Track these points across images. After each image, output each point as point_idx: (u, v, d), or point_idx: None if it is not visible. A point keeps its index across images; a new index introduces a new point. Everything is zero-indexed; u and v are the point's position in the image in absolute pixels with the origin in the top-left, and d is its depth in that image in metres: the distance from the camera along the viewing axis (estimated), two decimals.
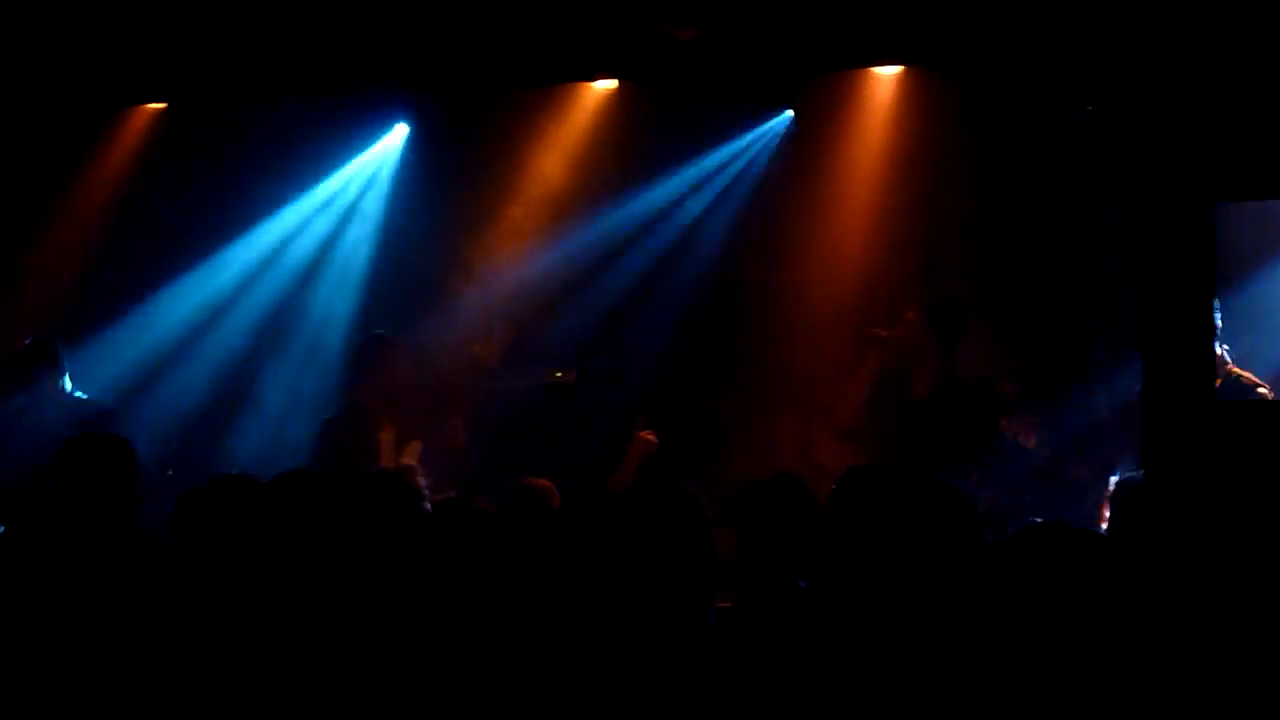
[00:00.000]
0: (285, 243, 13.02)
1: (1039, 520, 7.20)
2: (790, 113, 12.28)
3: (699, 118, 12.29)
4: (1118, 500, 7.21)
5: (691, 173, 12.49)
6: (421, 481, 8.06)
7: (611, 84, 12.41)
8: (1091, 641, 5.35)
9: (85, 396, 10.46)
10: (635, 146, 12.45)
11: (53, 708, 5.32)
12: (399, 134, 13.12)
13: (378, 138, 13.11)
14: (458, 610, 5.61)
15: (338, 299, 12.81)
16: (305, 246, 13.03)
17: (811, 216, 12.07)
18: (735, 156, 12.47)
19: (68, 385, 10.38)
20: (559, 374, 11.82)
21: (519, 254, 12.47)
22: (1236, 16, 5.86)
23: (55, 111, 12.69)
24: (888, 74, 11.81)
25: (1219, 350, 8.91)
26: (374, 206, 13.07)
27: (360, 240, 13.02)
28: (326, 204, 13.11)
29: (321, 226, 13.08)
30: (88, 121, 12.91)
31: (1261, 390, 9.16)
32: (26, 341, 10.50)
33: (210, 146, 12.87)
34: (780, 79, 11.91)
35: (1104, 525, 7.89)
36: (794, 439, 11.38)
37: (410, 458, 9.77)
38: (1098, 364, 10.28)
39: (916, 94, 11.73)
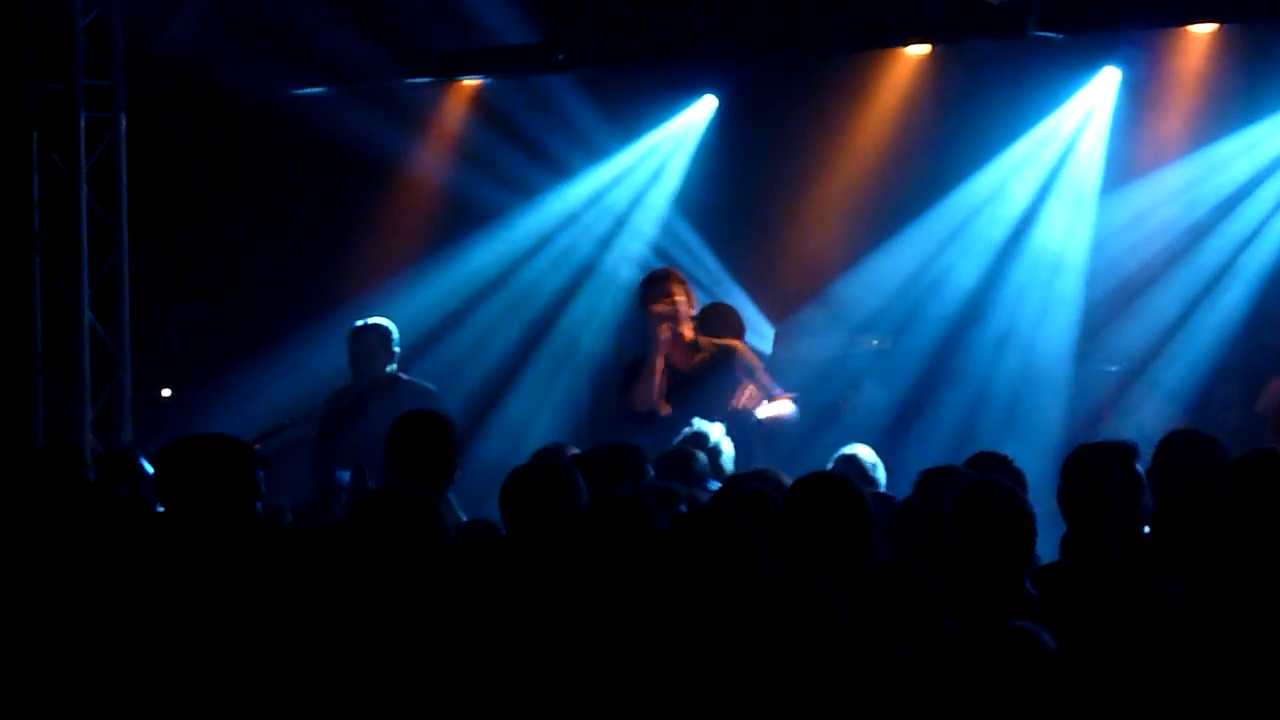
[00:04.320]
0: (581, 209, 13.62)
1: None
2: (1115, 71, 12.32)
3: (1014, 82, 12.39)
4: None
5: (1019, 143, 12.60)
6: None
7: (924, 49, 12.49)
8: None
9: (405, 377, 10.98)
10: (950, 114, 12.65)
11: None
12: (707, 106, 13.43)
13: (683, 109, 13.50)
14: None
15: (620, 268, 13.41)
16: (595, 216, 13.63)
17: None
18: (1063, 121, 12.56)
19: (391, 367, 10.88)
20: (875, 341, 12.10)
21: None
22: None
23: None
24: (1203, 32, 11.85)
25: None
26: (676, 179, 13.50)
27: (650, 210, 13.50)
28: (620, 177, 13.62)
29: (617, 197, 13.63)
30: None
31: None
32: (361, 323, 11.05)
33: (517, 119, 13.41)
34: (1094, 39, 11.93)
35: None
36: (1110, 403, 11.48)
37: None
38: None
39: (1232, 52, 11.80)
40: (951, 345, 12.40)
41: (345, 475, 9.05)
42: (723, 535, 5.82)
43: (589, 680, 5.33)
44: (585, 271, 13.62)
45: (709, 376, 10.43)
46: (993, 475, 7.07)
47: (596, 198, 13.60)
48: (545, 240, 13.61)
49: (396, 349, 10.90)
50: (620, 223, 13.61)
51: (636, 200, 13.60)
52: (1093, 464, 7.00)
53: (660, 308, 10.50)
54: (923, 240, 12.69)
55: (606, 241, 13.61)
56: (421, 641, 5.45)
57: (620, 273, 13.46)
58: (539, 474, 7.30)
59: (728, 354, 10.58)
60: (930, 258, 12.65)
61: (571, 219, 13.62)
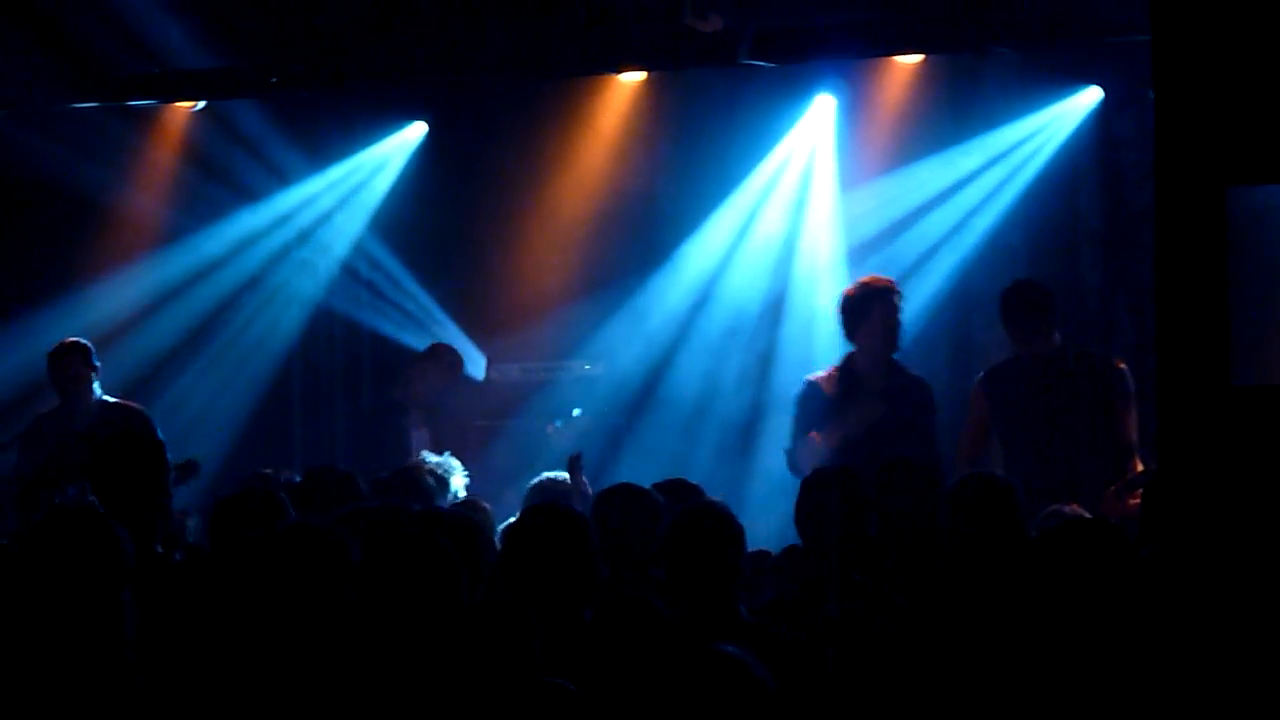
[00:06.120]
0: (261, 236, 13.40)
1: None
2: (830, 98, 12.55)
3: (730, 109, 12.56)
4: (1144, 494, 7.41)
5: (748, 169, 12.72)
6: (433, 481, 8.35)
7: (639, 76, 12.51)
8: (1122, 638, 5.45)
9: (113, 400, 10.84)
10: (667, 141, 12.77)
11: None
12: (416, 131, 13.35)
13: (390, 134, 13.40)
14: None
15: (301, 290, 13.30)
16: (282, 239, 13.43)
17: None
18: (787, 149, 12.73)
19: (97, 389, 10.77)
20: (587, 366, 12.16)
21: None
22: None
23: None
24: (910, 62, 12.14)
25: None
26: (378, 203, 13.37)
27: (350, 235, 13.37)
28: (318, 199, 13.43)
29: (311, 219, 13.45)
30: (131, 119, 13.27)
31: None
32: (61, 343, 10.92)
33: (219, 142, 13.19)
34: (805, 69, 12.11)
35: None
36: None
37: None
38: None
39: (939, 82, 12.15)
40: (667, 371, 12.47)
41: (72, 491, 8.93)
42: (421, 559, 5.75)
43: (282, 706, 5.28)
44: (269, 292, 13.38)
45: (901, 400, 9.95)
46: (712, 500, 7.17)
47: (290, 220, 13.37)
48: (229, 261, 13.32)
49: (98, 364, 10.78)
50: (312, 244, 13.43)
51: (331, 223, 13.41)
52: (819, 489, 7.13)
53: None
54: (641, 266, 12.77)
55: (299, 265, 13.42)
56: (95, 661, 5.37)
57: (305, 292, 13.34)
58: (249, 501, 7.26)
59: (922, 385, 10.00)
60: (649, 283, 12.71)
61: (262, 240, 13.35)
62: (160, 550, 7.23)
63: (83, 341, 10.86)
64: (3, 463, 10.97)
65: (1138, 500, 8.27)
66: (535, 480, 8.77)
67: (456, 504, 8.43)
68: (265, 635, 5.56)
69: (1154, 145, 5.97)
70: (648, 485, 7.65)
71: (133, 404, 10.95)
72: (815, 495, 7.17)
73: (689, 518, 6.65)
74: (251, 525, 6.96)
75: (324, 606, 5.60)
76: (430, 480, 8.77)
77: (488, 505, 8.13)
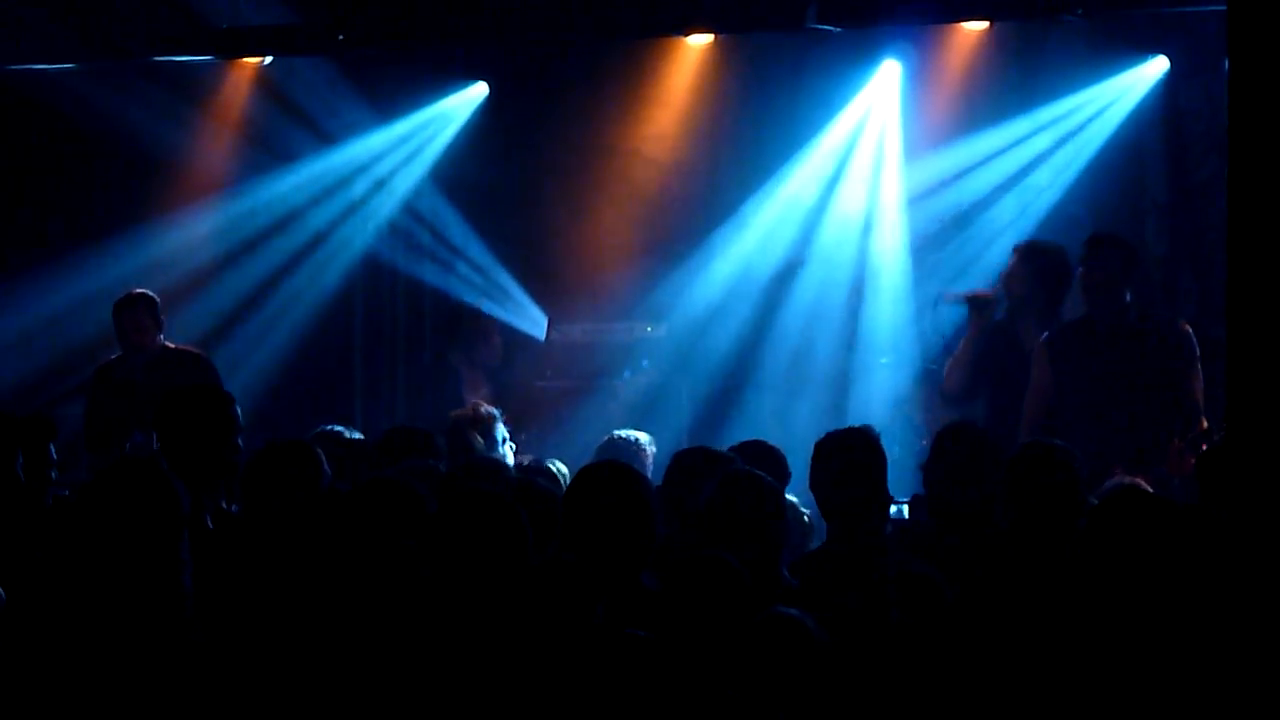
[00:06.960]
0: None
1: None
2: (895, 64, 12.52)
3: (796, 73, 12.54)
4: (1201, 465, 7.38)
5: (808, 135, 12.68)
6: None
7: (706, 39, 12.50)
8: (1181, 607, 5.42)
9: (174, 345, 10.98)
10: (735, 105, 12.75)
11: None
12: (477, 92, 13.32)
13: (454, 92, 13.36)
14: None
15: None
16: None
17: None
18: (853, 115, 12.70)
19: (162, 335, 10.92)
20: (649, 328, 12.17)
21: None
22: None
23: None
24: (977, 29, 12.11)
25: None
26: (439, 163, 13.37)
27: (413, 193, 13.38)
28: (378, 157, 13.42)
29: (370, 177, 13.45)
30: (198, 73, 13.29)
31: None
32: (129, 294, 11.03)
33: (284, 98, 13.25)
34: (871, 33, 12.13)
35: None
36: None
37: None
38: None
39: (1005, 49, 12.15)
40: (728, 333, 12.49)
41: (139, 438, 8.98)
42: (490, 516, 5.76)
43: (341, 660, 5.29)
44: (331, 248, 13.39)
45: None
46: (750, 467, 7.15)
47: (353, 177, 13.37)
48: (292, 217, 13.29)
49: (162, 319, 10.90)
50: (374, 201, 13.43)
51: (394, 180, 13.39)
52: (839, 450, 7.10)
53: (981, 295, 10.25)
54: (703, 229, 12.76)
55: (361, 221, 13.43)
56: (150, 614, 5.38)
57: (366, 249, 13.40)
58: (277, 457, 7.18)
59: None
60: (711, 246, 12.72)
61: (325, 196, 13.33)
62: (224, 505, 7.23)
63: (149, 293, 10.98)
64: (70, 412, 11.09)
65: None
66: (605, 438, 8.76)
67: (525, 467, 8.39)
68: (330, 589, 5.58)
69: (1227, 114, 5.92)
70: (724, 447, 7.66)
71: (192, 348, 11.10)
72: (822, 458, 7.12)
73: (725, 488, 6.67)
74: (281, 481, 7.00)
75: (395, 562, 5.62)
76: (479, 439, 8.76)
77: (557, 465, 8.11)
